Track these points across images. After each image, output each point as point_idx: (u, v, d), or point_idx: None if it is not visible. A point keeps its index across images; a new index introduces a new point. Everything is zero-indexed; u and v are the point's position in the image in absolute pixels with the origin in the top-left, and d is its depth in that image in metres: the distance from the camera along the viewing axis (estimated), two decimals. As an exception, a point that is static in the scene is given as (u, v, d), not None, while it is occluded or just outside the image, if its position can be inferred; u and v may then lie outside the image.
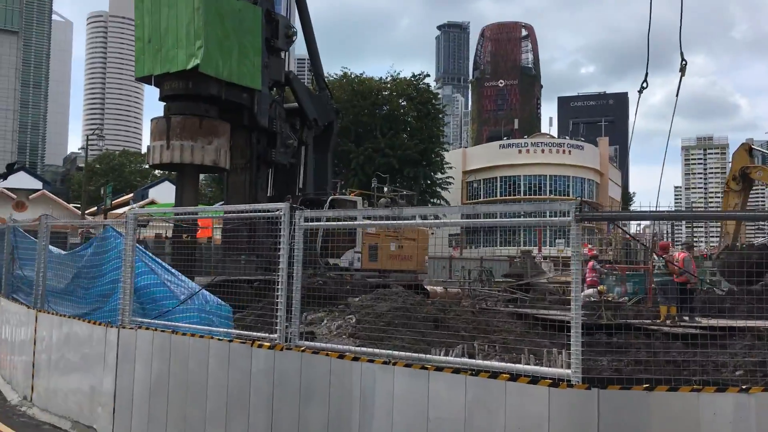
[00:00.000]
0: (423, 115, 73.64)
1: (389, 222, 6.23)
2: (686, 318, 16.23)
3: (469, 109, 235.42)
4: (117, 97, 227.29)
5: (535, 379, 5.19)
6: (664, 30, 18.64)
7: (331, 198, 19.79)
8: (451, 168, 73.53)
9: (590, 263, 20.34)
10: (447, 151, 79.27)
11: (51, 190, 60.02)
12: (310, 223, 6.57)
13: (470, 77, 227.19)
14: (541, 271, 26.44)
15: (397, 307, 11.51)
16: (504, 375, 5.31)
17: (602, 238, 39.47)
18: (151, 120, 17.92)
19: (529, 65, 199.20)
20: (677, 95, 18.53)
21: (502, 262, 39.28)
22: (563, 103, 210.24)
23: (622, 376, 6.51)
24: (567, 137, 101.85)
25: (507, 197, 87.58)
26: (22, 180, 57.00)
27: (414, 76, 74.18)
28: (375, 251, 21.27)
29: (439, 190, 71.95)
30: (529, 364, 9.31)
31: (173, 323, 7.68)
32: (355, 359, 6.09)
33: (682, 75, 18.48)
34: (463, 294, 25.30)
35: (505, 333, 14.23)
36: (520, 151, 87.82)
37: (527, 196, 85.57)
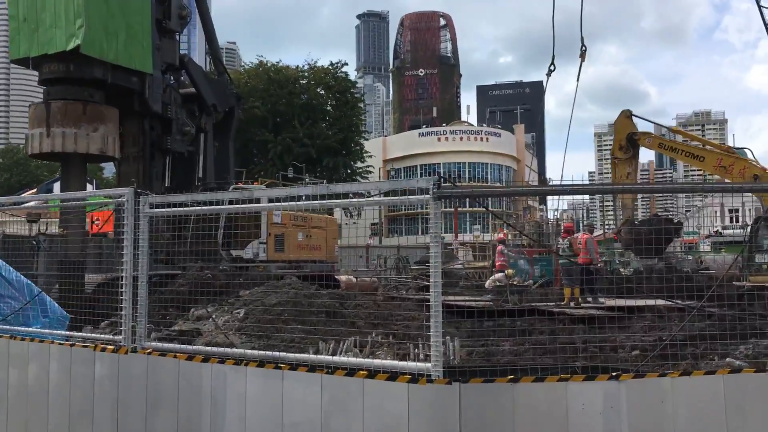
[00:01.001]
0: (342, 104, 73.04)
1: (243, 206, 5.57)
2: (590, 299, 16.25)
3: (391, 98, 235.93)
4: (23, 88, 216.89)
5: (394, 376, 4.70)
6: (577, 20, 18.60)
7: (233, 187, 18.91)
8: (371, 157, 73.22)
9: (498, 247, 20.22)
10: (367, 140, 78.94)
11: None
12: (156, 210, 5.87)
13: (391, 66, 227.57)
14: (454, 257, 26.25)
15: (287, 299, 10.88)
16: (362, 372, 4.79)
17: (516, 222, 39.92)
18: (29, 106, 16.60)
19: (448, 54, 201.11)
20: (578, 79, 18.65)
21: (420, 250, 39.21)
22: (482, 91, 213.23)
23: (498, 367, 6.10)
24: (485, 125, 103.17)
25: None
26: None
27: (332, 64, 73.39)
28: (282, 241, 20.52)
29: (359, 179, 71.60)
30: (413, 359, 8.88)
31: (11, 327, 6.84)
32: (206, 360, 5.45)
33: (582, 60, 18.63)
34: (379, 283, 24.94)
35: (407, 322, 13.84)
36: (439, 139, 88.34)
37: (447, 184, 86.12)
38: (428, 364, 4.60)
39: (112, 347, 5.90)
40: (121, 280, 5.87)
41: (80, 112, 15.95)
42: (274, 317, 10.49)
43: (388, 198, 4.96)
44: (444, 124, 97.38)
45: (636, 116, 21.28)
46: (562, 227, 19.20)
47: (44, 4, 15.92)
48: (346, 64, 73.95)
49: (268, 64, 72.50)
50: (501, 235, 21.34)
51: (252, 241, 19.30)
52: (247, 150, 62.73)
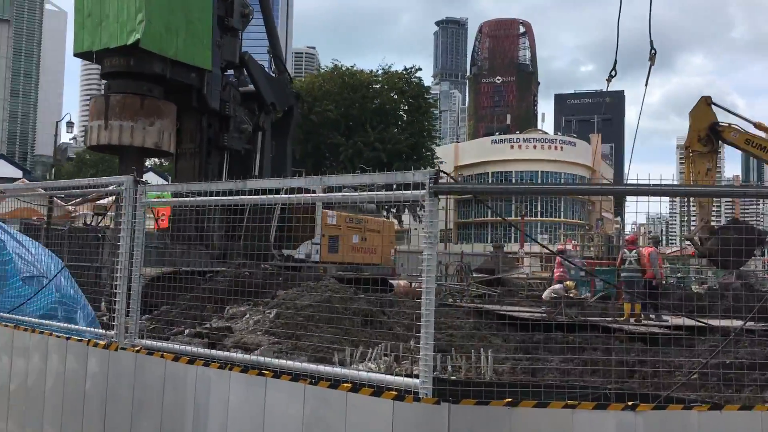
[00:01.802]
0: (414, 109, 72.91)
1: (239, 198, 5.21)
2: (652, 317, 15.29)
3: (466, 105, 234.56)
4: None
5: (380, 391, 4.23)
6: (662, 30, 17.55)
7: (287, 187, 18.79)
8: (442, 163, 72.74)
9: (558, 258, 19.43)
10: (438, 145, 78.52)
11: (32, 179, 58.98)
12: (155, 200, 5.58)
13: (468, 73, 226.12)
14: (514, 266, 25.46)
15: (320, 302, 10.51)
16: (345, 385, 4.34)
17: (585, 234, 38.44)
18: (91, 98, 16.86)
19: (527, 62, 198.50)
20: (647, 83, 17.62)
21: (484, 258, 38.37)
22: (560, 100, 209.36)
23: (506, 388, 5.55)
24: (559, 134, 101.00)
25: (498, 194, 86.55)
26: (1, 169, 55.92)
27: (406, 69, 73.40)
28: (336, 243, 20.28)
29: (429, 184, 71.09)
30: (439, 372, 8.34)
31: (18, 316, 6.67)
32: (191, 362, 5.11)
33: (652, 63, 17.59)
34: (440, 289, 24.37)
35: (451, 331, 13.30)
36: (512, 147, 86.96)
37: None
38: (416, 380, 4.10)
39: (103, 342, 5.63)
40: (116, 272, 5.59)
41: (138, 106, 16.10)
42: (304, 319, 10.15)
43: (383, 193, 4.49)
44: (517, 132, 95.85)
45: (716, 105, 17.86)
46: (626, 239, 18.17)
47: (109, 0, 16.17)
48: (420, 69, 73.77)
49: (343, 68, 73.07)
50: (560, 246, 20.47)
51: (305, 242, 19.12)
52: (319, 152, 63.30)
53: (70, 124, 43.30)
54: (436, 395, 4.10)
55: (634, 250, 16.13)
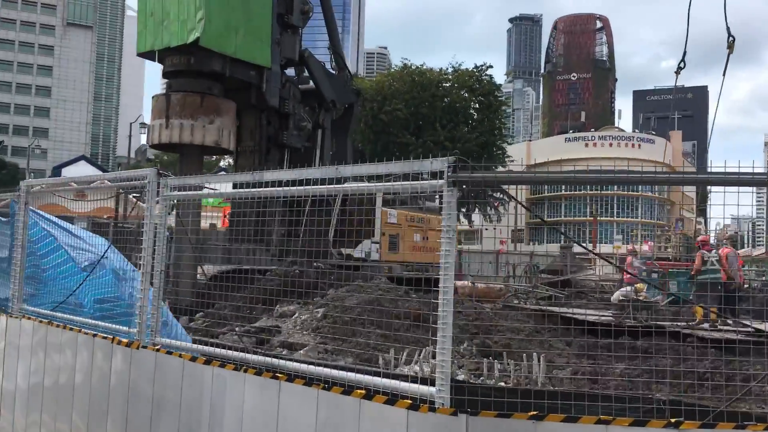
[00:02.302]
0: (485, 107, 72.03)
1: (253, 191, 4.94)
2: (730, 322, 14.31)
3: (540, 103, 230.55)
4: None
5: (394, 399, 3.86)
6: (748, 20, 16.56)
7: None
8: (512, 162, 71.59)
9: (629, 259, 18.54)
10: (510, 144, 77.38)
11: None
12: (177, 193, 5.36)
13: (542, 71, 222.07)
14: (582, 267, 24.56)
15: (369, 300, 10.20)
16: (359, 391, 3.99)
17: (662, 234, 36.79)
18: (152, 97, 17.12)
19: (604, 58, 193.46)
20: (724, 72, 16.53)
21: (554, 259, 37.27)
22: (639, 96, 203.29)
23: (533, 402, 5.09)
24: (637, 131, 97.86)
25: (572, 192, 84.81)
26: (83, 170, 58.09)
27: (476, 67, 72.57)
28: (395, 242, 19.98)
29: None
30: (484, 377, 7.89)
31: (61, 314, 6.59)
32: (208, 362, 4.86)
33: (730, 52, 16.47)
34: (505, 291, 23.82)
35: (509, 334, 12.78)
36: (586, 145, 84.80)
37: (592, 191, 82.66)
38: (432, 389, 3.72)
39: (126, 340, 5.46)
40: (140, 267, 5.41)
41: (197, 104, 16.20)
42: (351, 319, 9.86)
43: (399, 183, 4.12)
44: (592, 129, 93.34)
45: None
46: (699, 240, 17.12)
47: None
48: (491, 66, 72.75)
49: (413, 67, 72.76)
50: (630, 247, 19.54)
51: (364, 240, 18.90)
52: (388, 152, 63.23)
53: (143, 125, 44.44)
54: (457, 404, 3.72)
55: (713, 251, 15.19)
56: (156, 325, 5.30)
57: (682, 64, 16.34)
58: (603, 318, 14.81)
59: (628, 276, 18.18)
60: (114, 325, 5.74)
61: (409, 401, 3.77)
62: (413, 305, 11.06)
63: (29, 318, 6.75)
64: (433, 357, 8.98)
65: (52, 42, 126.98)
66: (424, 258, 21.28)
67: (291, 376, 4.35)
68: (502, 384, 7.99)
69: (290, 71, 20.31)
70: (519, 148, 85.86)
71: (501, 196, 72.70)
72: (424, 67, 72.95)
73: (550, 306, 18.26)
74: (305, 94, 19.58)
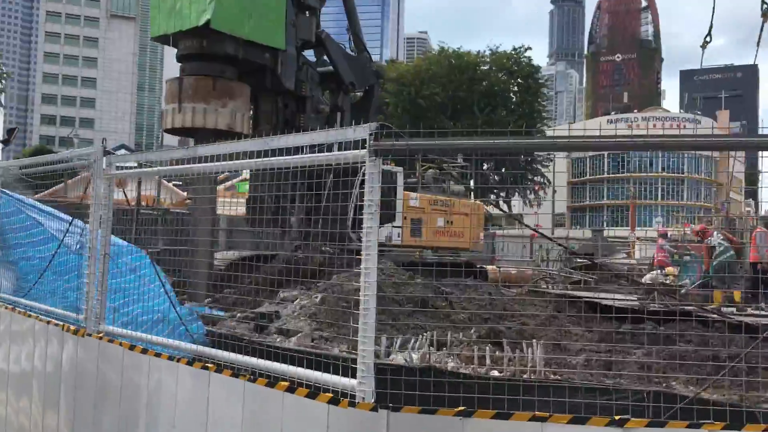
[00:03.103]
0: (524, 90, 70.95)
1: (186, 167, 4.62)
2: (763, 306, 13.60)
3: (584, 85, 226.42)
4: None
5: (316, 392, 3.51)
6: None
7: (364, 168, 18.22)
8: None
9: (659, 241, 17.84)
10: (549, 127, 76.21)
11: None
12: (121, 171, 5.08)
13: (585, 52, 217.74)
14: (615, 250, 23.82)
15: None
16: (282, 384, 3.65)
17: (705, 217, 35.48)
18: (166, 81, 16.92)
19: (649, 38, 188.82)
20: (758, 43, 15.68)
21: (589, 243, 36.37)
22: (687, 77, 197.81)
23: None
24: (682, 111, 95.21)
25: (615, 174, 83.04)
26: (123, 158, 58.88)
27: (515, 49, 71.48)
28: (418, 226, 19.56)
29: (539, 167, 69.20)
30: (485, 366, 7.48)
31: (24, 301, 6.40)
32: (144, 351, 4.58)
33: (765, 20, 15.62)
34: (537, 275, 23.27)
35: (523, 320, 12.32)
36: (629, 126, 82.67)
37: (637, 173, 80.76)
38: (354, 381, 3.35)
39: (74, 327, 5.22)
40: (87, 251, 5.15)
41: (210, 88, 15.93)
42: (348, 304, 9.53)
43: (319, 155, 3.76)
44: (635, 111, 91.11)
45: None
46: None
47: (181, -20, 16.11)
48: (529, 48, 71.63)
49: (450, 51, 71.93)
50: (661, 228, 18.81)
51: (385, 224, 18.54)
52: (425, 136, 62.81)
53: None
54: (407, 401, 3.35)
55: (715, 233, 14.73)
56: (101, 312, 5.03)
57: (708, 38, 15.57)
58: (626, 303, 14.21)
59: (659, 259, 17.52)
60: (67, 312, 5.49)
61: (330, 395, 3.42)
62: (417, 290, 10.69)
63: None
64: (432, 344, 8.59)
65: (96, 34, 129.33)
66: (449, 242, 20.87)
67: (220, 367, 4.04)
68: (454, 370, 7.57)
69: (310, 54, 19.97)
70: (560, 132, 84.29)
71: (542, 179, 71.76)
72: (462, 50, 72.11)
73: (579, 290, 17.69)
74: (324, 77, 19.19)
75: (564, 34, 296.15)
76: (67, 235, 6.87)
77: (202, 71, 16.24)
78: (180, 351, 4.40)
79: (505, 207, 71.60)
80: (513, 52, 71.24)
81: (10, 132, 23.15)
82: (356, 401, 3.28)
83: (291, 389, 3.57)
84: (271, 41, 16.95)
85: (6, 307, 6.37)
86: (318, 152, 3.93)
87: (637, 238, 38.63)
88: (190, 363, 4.21)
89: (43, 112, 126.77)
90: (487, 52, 71.18)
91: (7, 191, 6.98)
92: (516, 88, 72.25)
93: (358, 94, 20.83)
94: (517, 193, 71.51)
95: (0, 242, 7.03)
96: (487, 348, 7.97)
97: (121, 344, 4.74)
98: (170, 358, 4.35)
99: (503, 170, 64.53)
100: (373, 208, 3.39)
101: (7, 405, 6.18)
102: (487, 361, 7.68)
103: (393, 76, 69.84)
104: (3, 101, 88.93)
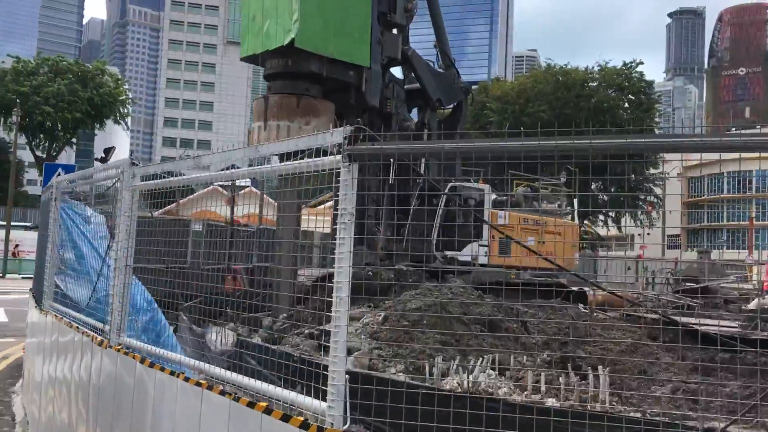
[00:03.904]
0: (635, 106, 68.68)
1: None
2: None
3: (704, 100, 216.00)
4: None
5: (289, 416, 3.27)
6: None
7: (450, 185, 17.92)
8: (665, 162, 67.74)
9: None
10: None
11: (257, 187, 63.68)
12: (146, 182, 5.06)
13: (705, 66, 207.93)
14: (723, 274, 22.25)
15: (430, 304, 9.51)
16: (261, 405, 3.45)
17: None
18: (254, 100, 17.28)
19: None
20: None
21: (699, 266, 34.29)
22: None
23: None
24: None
25: (735, 194, 78.39)
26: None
27: (625, 64, 69.38)
28: (507, 245, 18.95)
29: (650, 186, 66.50)
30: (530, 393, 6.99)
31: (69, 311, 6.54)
32: (152, 365, 4.51)
33: None
34: (639, 298, 22.14)
35: (605, 346, 11.58)
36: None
37: (759, 194, 75.85)
38: (324, 404, 3.09)
39: (99, 338, 5.24)
40: (113, 262, 5.16)
41: (294, 106, 16.15)
42: (410, 324, 9.23)
43: (294, 162, 3.54)
44: (758, 126, 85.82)
45: None
46: None
47: (269, 1, 16.46)
48: (641, 63, 69.31)
49: (556, 67, 70.58)
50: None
51: (471, 243, 18.10)
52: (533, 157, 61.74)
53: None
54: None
55: None
56: (122, 323, 5.01)
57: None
58: (726, 330, 13.12)
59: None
60: (96, 322, 5.53)
61: (301, 419, 3.18)
62: (486, 310, 10.25)
63: (47, 313, 6.75)
64: (492, 367, 8.16)
65: (214, 60, 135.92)
66: (541, 262, 20.07)
67: (211, 384, 3.88)
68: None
69: (399, 71, 19.97)
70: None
71: (655, 199, 68.71)
72: (569, 66, 70.57)
73: (682, 316, 16.57)
74: (411, 94, 19.08)
75: (682, 48, 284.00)
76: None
77: (287, 89, 16.51)
78: (179, 365, 4.29)
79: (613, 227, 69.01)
80: (624, 68, 69.07)
81: (107, 151, 24.44)
82: (324, 426, 3.03)
83: (268, 410, 3.36)
84: (355, 59, 17.03)
85: (56, 317, 6.53)
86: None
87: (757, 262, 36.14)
88: (187, 379, 4.08)
89: (165, 135, 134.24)
90: (596, 68, 69.35)
91: (66, 207, 7.19)
92: (627, 105, 69.95)
93: (447, 110, 20.60)
94: (627, 214, 69.01)
95: (63, 255, 7.23)
96: (542, 374, 7.45)
97: (134, 357, 4.69)
98: (172, 373, 4.25)
99: (612, 189, 62.37)
100: (347, 218, 3.13)
101: (47, 408, 6.31)
102: (542, 388, 7.17)
103: (497, 94, 69.14)
104: (129, 125, 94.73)
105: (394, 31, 18.72)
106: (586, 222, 73.35)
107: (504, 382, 7.46)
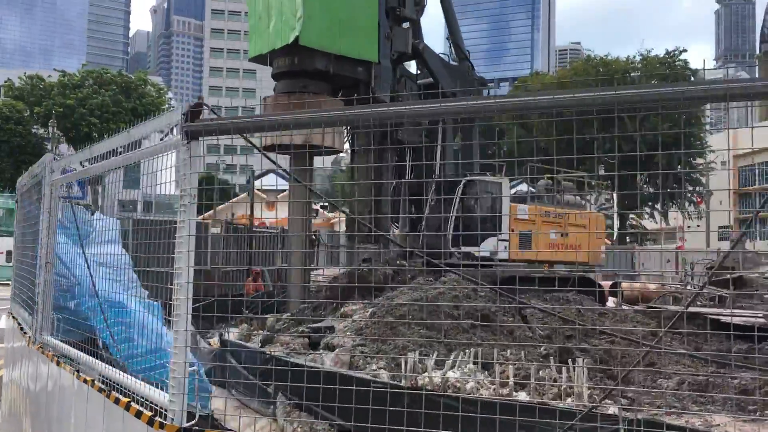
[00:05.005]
0: (679, 95, 67.06)
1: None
2: None
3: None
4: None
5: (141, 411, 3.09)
6: None
7: (466, 179, 17.55)
8: (713, 152, 65.88)
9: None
10: (711, 133, 71.21)
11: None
12: (61, 176, 4.93)
13: (757, 51, 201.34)
14: (759, 263, 21.32)
15: (417, 299, 9.23)
16: (123, 400, 3.27)
17: None
18: (261, 99, 17.25)
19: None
20: None
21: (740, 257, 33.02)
22: None
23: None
24: None
25: (788, 184, 75.68)
26: (272, 181, 61.24)
27: (668, 53, 67.75)
28: (527, 239, 18.48)
29: (698, 177, 64.71)
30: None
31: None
32: (59, 363, 4.38)
33: None
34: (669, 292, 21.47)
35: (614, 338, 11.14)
36: (805, 129, 75.01)
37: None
38: (167, 397, 2.90)
39: (29, 336, 5.14)
40: (37, 260, 5.05)
41: (302, 104, 16.04)
42: (396, 320, 8.97)
43: (133, 152, 3.33)
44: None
45: None
46: None
47: (275, 1, 16.40)
48: (684, 51, 67.60)
49: (596, 58, 69.40)
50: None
51: (488, 238, 17.70)
52: (571, 147, 60.72)
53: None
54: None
55: None
56: (46, 323, 4.89)
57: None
58: (747, 320, 12.49)
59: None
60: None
61: (149, 414, 2.99)
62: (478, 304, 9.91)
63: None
64: (475, 360, 7.86)
65: (254, 66, 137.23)
66: (565, 256, 19.55)
67: (92, 382, 3.73)
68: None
69: (413, 66, 19.73)
70: (720, 138, 78.13)
71: (704, 190, 66.85)
72: (609, 57, 69.31)
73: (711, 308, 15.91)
74: (425, 88, 18.80)
75: (732, 35, 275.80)
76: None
77: (295, 88, 16.43)
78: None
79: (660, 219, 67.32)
80: (666, 56, 67.47)
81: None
82: (164, 423, 2.83)
83: (128, 406, 3.19)
84: (363, 55, 16.86)
85: (15, 320, 6.46)
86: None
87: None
88: (84, 379, 3.94)
89: (209, 142, 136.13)
90: (638, 58, 67.92)
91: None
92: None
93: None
94: (673, 205, 67.25)
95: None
96: (510, 368, 7.10)
97: (52, 358, 4.56)
98: (73, 373, 4.11)
99: (657, 181, 60.96)
100: (188, 200, 2.92)
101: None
102: (510, 382, 6.84)
103: (537, 88, 68.33)
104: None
105: (405, 25, 18.48)
106: (632, 215, 71.81)
107: (479, 377, 7.15)
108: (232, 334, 11.31)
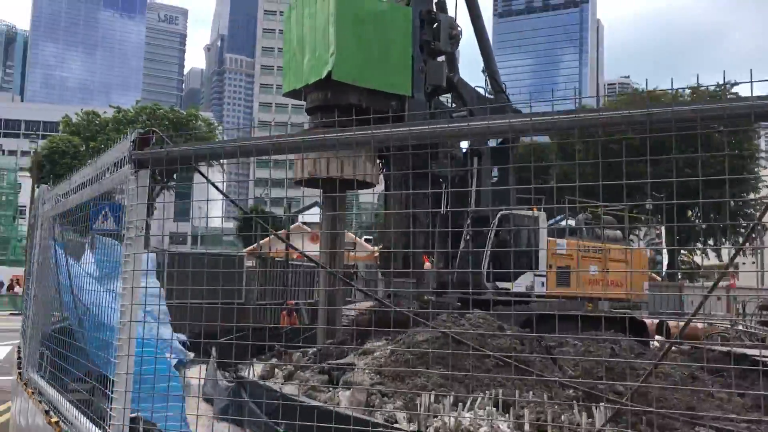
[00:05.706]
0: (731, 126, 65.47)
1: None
2: None
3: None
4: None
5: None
6: None
7: (501, 213, 17.24)
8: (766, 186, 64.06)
9: None
10: (765, 168, 69.17)
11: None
12: (47, 206, 4.86)
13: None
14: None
15: (437, 337, 8.93)
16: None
17: None
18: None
19: None
20: None
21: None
22: None
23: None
24: None
25: None
26: (316, 213, 61.97)
27: (719, 85, 66.32)
28: (566, 274, 17.98)
29: (751, 212, 62.71)
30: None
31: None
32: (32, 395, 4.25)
33: None
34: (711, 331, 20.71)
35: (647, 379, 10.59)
36: None
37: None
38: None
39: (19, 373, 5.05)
40: (25, 295, 4.98)
41: (334, 139, 16.04)
42: (415, 358, 8.68)
43: (96, 186, 3.20)
44: None
45: None
46: None
47: (308, 38, 16.54)
48: (736, 83, 66.04)
49: (641, 90, 68.48)
50: None
51: (525, 273, 17.30)
52: (619, 184, 59.58)
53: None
54: None
55: None
56: (33, 359, 4.80)
57: None
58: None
59: None
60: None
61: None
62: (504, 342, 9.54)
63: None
64: (496, 405, 7.52)
65: (301, 102, 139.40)
66: (604, 292, 18.93)
67: (57, 423, 3.58)
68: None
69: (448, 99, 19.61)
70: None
71: (760, 226, 64.76)
72: (657, 89, 68.37)
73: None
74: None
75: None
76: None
77: (328, 122, 16.44)
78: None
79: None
80: (717, 88, 66.23)
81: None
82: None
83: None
84: (396, 88, 16.80)
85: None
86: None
87: None
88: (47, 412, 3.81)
89: (258, 176, 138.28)
90: (687, 91, 66.82)
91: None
92: (721, 127, 66.72)
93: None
94: (726, 241, 65.17)
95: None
96: (531, 409, 6.73)
97: (27, 392, 4.46)
98: (47, 412, 3.97)
99: (711, 215, 59.30)
100: (135, 233, 2.78)
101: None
102: (526, 427, 6.48)
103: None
104: (224, 167, 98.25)
105: (440, 58, 18.41)
106: (683, 252, 69.82)
107: (498, 419, 6.81)
108: (256, 370, 11.14)
